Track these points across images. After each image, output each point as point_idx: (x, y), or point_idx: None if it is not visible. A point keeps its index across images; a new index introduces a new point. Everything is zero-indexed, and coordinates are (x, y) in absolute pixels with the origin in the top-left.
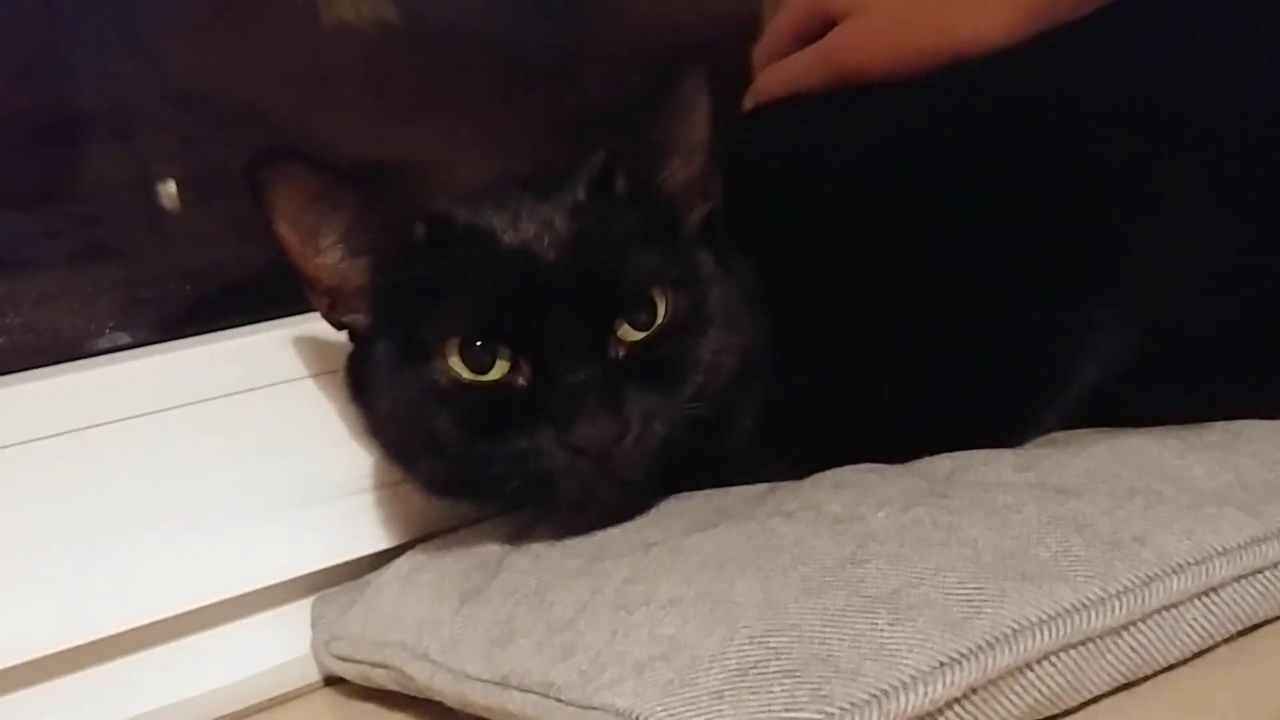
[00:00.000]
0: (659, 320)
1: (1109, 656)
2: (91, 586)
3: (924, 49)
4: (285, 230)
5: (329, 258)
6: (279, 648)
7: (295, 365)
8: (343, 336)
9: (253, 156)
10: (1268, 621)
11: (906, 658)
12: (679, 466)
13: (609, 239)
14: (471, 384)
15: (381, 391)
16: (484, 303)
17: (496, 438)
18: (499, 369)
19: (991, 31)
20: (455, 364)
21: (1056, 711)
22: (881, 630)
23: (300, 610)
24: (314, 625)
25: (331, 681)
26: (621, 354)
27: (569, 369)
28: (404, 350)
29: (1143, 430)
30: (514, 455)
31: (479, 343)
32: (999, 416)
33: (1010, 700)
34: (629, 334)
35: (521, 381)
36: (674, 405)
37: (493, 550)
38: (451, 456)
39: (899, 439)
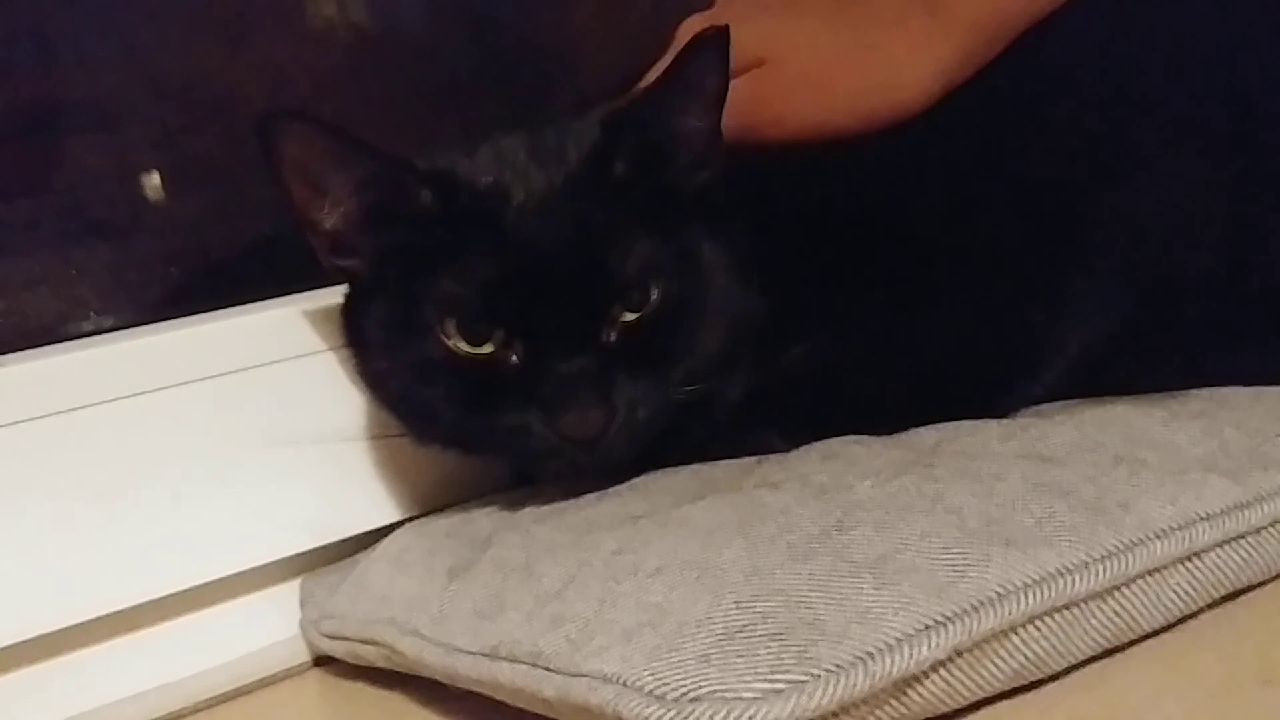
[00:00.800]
0: (651, 302)
1: (1093, 621)
2: (80, 569)
3: (840, 105)
4: (293, 182)
5: (333, 212)
6: (268, 629)
7: (281, 347)
8: (328, 306)
9: (264, 113)
10: (1250, 587)
11: (892, 621)
12: (665, 442)
13: (607, 224)
14: (467, 357)
15: (377, 351)
16: (483, 285)
17: (488, 412)
18: (495, 343)
19: (906, 91)
20: (452, 339)
21: (1041, 675)
22: (867, 594)
23: (289, 591)
24: (303, 604)
25: (321, 661)
26: (614, 337)
27: (561, 357)
28: (401, 316)
29: (1128, 399)
30: (504, 430)
31: (476, 322)
32: (986, 387)
33: (995, 664)
34: (623, 315)
35: (515, 359)
36: (662, 390)
37: (482, 527)
38: (445, 424)
39: (886, 410)
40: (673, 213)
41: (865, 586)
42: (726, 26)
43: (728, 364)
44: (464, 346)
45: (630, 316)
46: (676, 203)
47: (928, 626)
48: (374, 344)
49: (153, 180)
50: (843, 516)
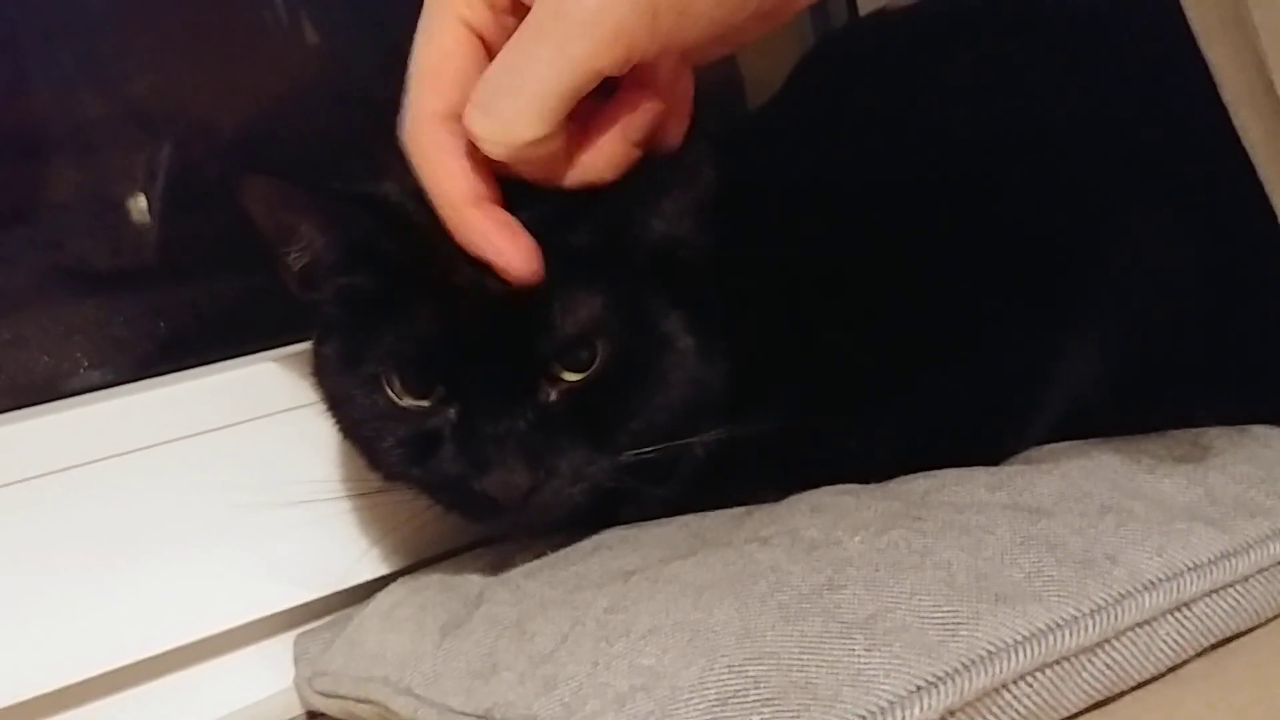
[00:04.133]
0: (596, 364)
1: (1084, 674)
2: (75, 628)
3: None
4: (263, 230)
5: (298, 258)
6: (262, 682)
7: (269, 401)
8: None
9: (231, 173)
10: (1239, 634)
11: (883, 683)
12: (622, 500)
13: (552, 282)
14: (408, 410)
15: (332, 388)
16: (421, 340)
17: (429, 463)
18: (434, 398)
19: None
20: (395, 391)
21: None
22: (858, 656)
23: (282, 645)
24: (297, 662)
25: (315, 715)
26: (553, 397)
27: (488, 419)
28: (354, 360)
29: (1113, 444)
30: (444, 482)
31: (415, 378)
32: (971, 444)
33: None
34: (566, 375)
35: (452, 414)
36: (606, 455)
37: (473, 582)
38: (396, 470)
39: (870, 469)
40: (634, 272)
41: (856, 647)
42: (705, 140)
43: (686, 427)
44: (405, 400)
45: (574, 377)
46: (641, 264)
47: (919, 688)
48: (331, 382)
49: (139, 204)
50: (833, 574)
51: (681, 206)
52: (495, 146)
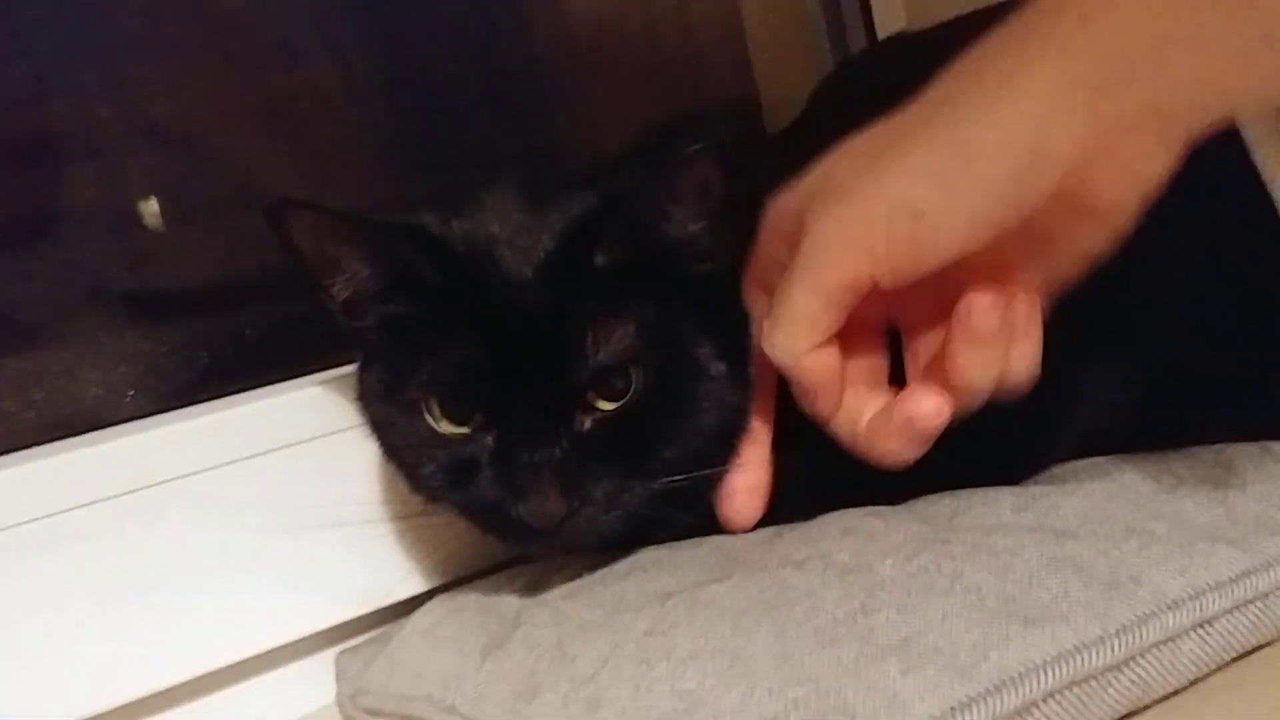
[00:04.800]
0: (631, 392)
1: (1110, 691)
2: (122, 651)
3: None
4: (304, 260)
5: (345, 285)
6: (303, 700)
7: (309, 426)
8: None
9: (267, 204)
10: (1259, 647)
11: (919, 705)
12: (657, 525)
13: (586, 310)
14: (446, 436)
15: (374, 414)
16: (461, 368)
17: (468, 488)
18: (473, 425)
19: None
20: (435, 417)
21: None
22: (894, 679)
23: (323, 661)
24: (339, 679)
25: None
26: (588, 425)
27: (524, 446)
28: (397, 386)
29: (1135, 463)
30: (480, 507)
31: (454, 405)
32: (996, 466)
33: None
34: (600, 404)
35: (489, 441)
36: (640, 482)
37: (510, 602)
38: (436, 494)
39: (896, 486)
40: (663, 298)
41: (892, 670)
42: (718, 144)
43: (719, 453)
44: (445, 425)
45: (608, 405)
46: (669, 288)
47: (953, 709)
48: (374, 408)
49: (151, 208)
50: (866, 599)
51: (691, 213)
52: (778, 356)
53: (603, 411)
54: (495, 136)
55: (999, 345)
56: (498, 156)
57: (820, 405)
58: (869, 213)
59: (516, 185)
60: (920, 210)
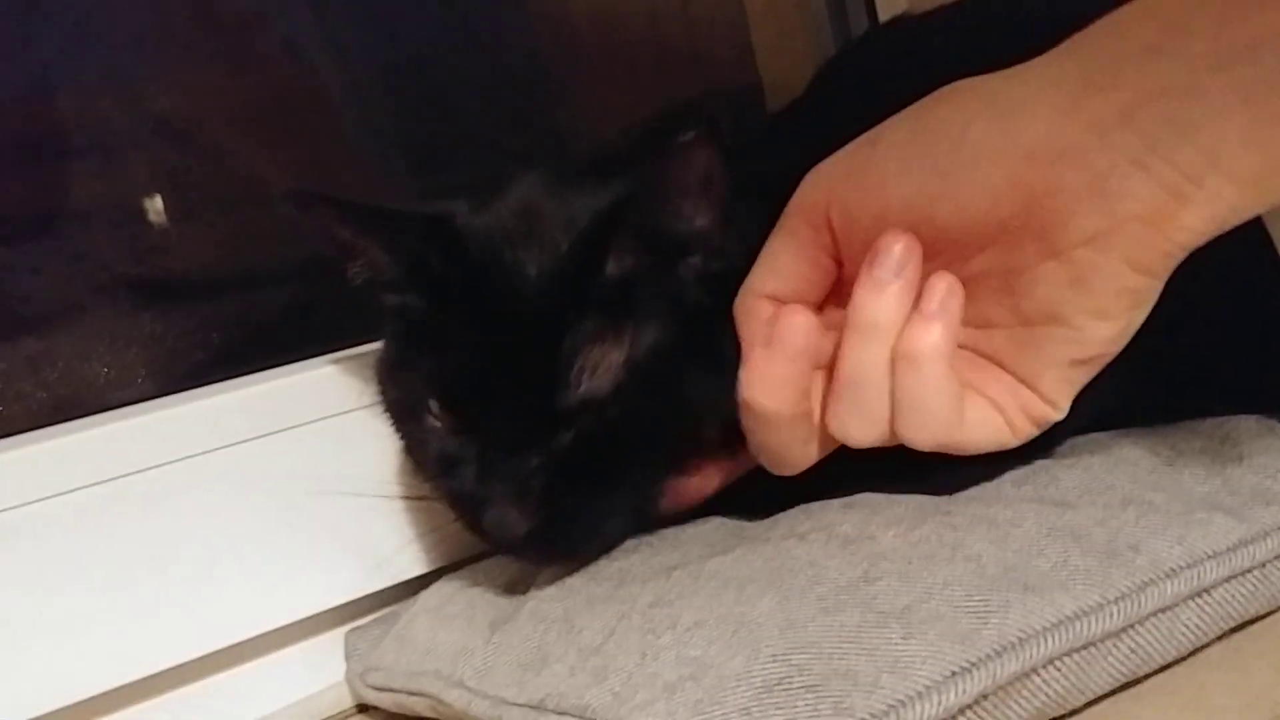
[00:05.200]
0: (613, 409)
1: (1109, 659)
2: (128, 629)
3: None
4: (326, 245)
5: (358, 273)
6: (313, 677)
7: (318, 407)
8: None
9: (283, 193)
10: (1257, 618)
11: (920, 669)
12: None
13: (584, 332)
14: (437, 429)
15: (384, 392)
16: (455, 368)
17: (453, 481)
18: (462, 421)
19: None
20: (429, 408)
21: (1062, 712)
22: (896, 644)
23: (331, 640)
24: (348, 657)
25: (364, 708)
26: (567, 443)
27: (500, 455)
28: (397, 374)
29: (1133, 437)
30: (463, 503)
31: (446, 401)
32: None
33: (1018, 704)
34: (580, 425)
35: (473, 441)
36: (613, 499)
37: (517, 580)
38: (429, 478)
39: (897, 483)
40: (666, 315)
41: (894, 636)
42: (709, 125)
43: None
44: (437, 419)
45: (588, 428)
46: (674, 301)
47: (954, 673)
48: (383, 387)
49: (155, 205)
50: (869, 567)
51: (698, 206)
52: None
53: (582, 435)
54: (498, 128)
55: (896, 296)
56: (501, 148)
57: (774, 376)
58: (841, 150)
59: (544, 174)
60: (876, 138)
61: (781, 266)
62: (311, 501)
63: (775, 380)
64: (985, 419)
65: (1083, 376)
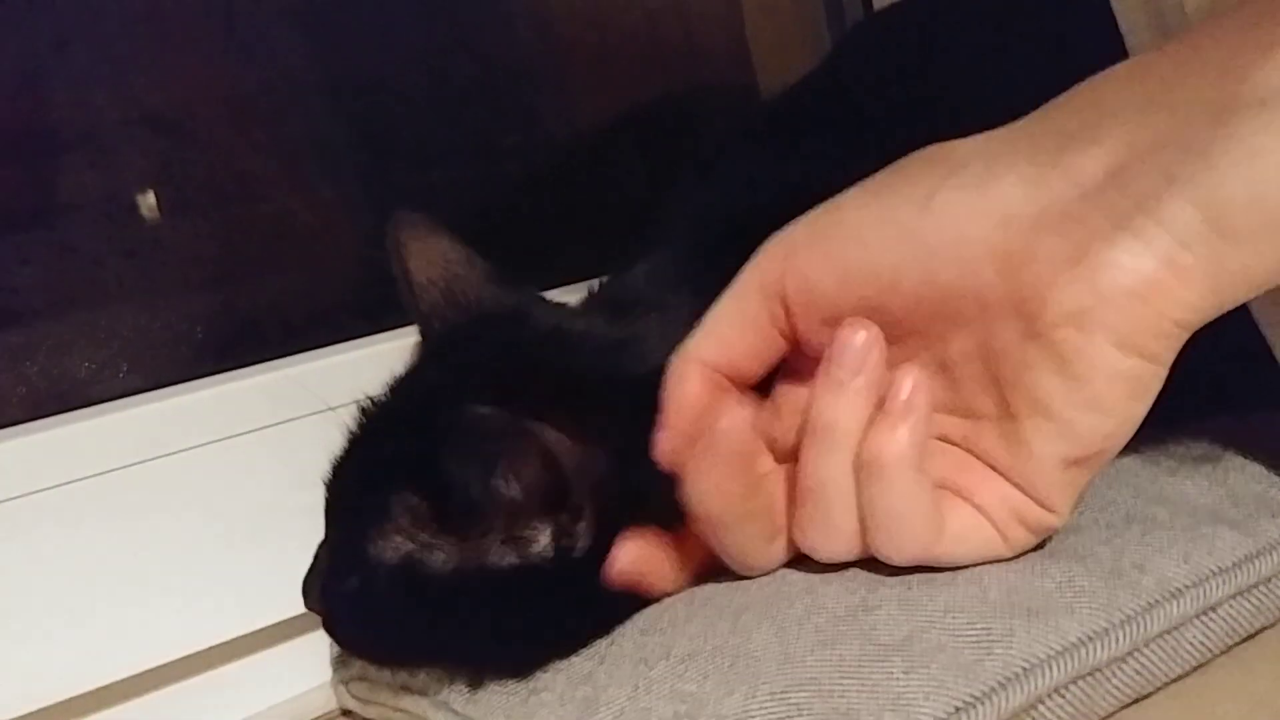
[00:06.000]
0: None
1: (1114, 681)
2: (110, 628)
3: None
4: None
5: None
6: (298, 678)
7: (306, 403)
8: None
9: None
10: (1262, 630)
11: (923, 706)
12: None
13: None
14: None
15: None
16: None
17: None
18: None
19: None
20: None
21: None
22: (897, 679)
23: (316, 640)
24: (334, 665)
25: (347, 714)
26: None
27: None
28: None
29: (1133, 442)
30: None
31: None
32: None
33: None
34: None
35: None
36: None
37: None
38: None
39: None
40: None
41: (895, 670)
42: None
43: None
44: None
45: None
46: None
47: (958, 709)
48: None
49: (148, 200)
50: (867, 594)
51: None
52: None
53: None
54: (490, 125)
55: (857, 396)
56: (494, 145)
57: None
58: (803, 216)
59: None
60: (840, 202)
61: (722, 334)
62: (302, 498)
63: (715, 484)
64: (971, 530)
65: (1083, 477)
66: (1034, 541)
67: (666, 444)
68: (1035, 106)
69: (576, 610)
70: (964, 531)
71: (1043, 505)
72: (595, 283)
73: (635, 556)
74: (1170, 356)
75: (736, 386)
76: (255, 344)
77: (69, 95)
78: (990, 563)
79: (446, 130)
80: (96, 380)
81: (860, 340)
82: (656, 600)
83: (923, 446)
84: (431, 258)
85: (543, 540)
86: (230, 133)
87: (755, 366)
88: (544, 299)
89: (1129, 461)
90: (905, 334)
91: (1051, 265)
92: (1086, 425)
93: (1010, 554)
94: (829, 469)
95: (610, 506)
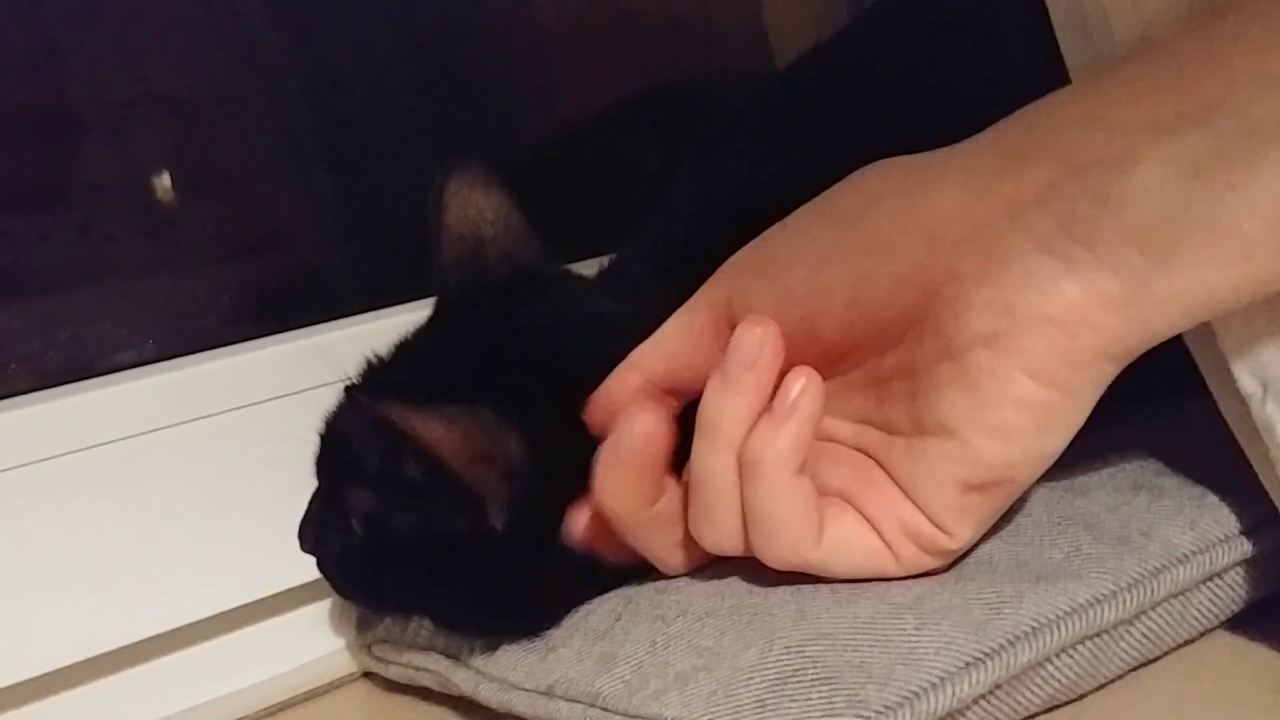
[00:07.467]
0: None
1: (1122, 644)
2: (135, 589)
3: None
4: None
5: None
6: (318, 642)
7: (326, 373)
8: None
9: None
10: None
11: (934, 660)
12: None
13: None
14: None
15: None
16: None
17: None
18: None
19: None
20: None
21: (1074, 697)
22: (909, 635)
23: (335, 605)
24: (357, 628)
25: (370, 674)
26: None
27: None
28: None
29: (1141, 411)
30: None
31: None
32: None
33: (1030, 692)
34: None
35: None
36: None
37: None
38: None
39: None
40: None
41: (907, 627)
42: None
43: None
44: None
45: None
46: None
47: (968, 664)
48: None
49: (163, 182)
50: None
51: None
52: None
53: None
54: (506, 105)
55: (746, 394)
56: (510, 126)
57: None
58: (757, 237)
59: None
60: (786, 221)
61: (667, 346)
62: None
63: (617, 483)
64: (853, 538)
65: (982, 505)
66: (931, 563)
67: (590, 417)
68: (1044, 92)
69: (537, 578)
70: (845, 539)
71: (937, 526)
72: (604, 259)
73: (584, 524)
74: (1091, 390)
75: (678, 401)
76: (277, 316)
77: (87, 77)
78: (997, 536)
79: (462, 111)
80: (113, 353)
81: (753, 337)
82: (646, 573)
83: (804, 450)
84: (469, 213)
85: (473, 512)
86: (245, 115)
87: (696, 383)
88: (568, 270)
89: (1135, 432)
90: (845, 351)
91: (970, 286)
92: (989, 451)
93: (902, 573)
94: (713, 465)
95: (552, 480)
